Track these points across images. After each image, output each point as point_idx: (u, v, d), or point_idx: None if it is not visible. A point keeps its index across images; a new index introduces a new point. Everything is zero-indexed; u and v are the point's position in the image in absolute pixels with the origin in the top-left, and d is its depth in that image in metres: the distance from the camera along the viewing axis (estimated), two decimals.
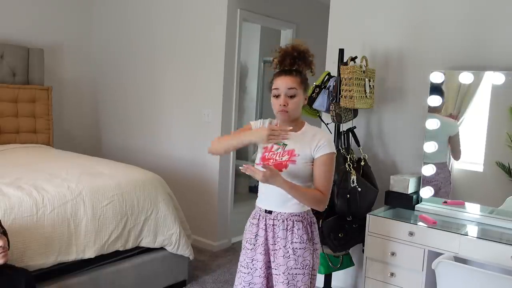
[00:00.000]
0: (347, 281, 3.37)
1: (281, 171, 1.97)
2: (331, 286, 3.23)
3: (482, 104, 2.79)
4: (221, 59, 3.97)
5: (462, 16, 2.89)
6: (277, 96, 2.01)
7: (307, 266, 2.04)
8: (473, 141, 2.85)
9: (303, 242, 2.02)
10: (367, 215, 2.84)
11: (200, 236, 4.15)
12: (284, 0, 4.55)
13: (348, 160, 2.92)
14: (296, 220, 2.03)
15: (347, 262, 3.14)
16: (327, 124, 3.15)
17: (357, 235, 2.96)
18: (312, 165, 2.01)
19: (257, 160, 2.09)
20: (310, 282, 2.08)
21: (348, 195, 2.82)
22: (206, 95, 4.11)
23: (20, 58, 4.26)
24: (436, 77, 2.90)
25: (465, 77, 2.81)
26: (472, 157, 2.87)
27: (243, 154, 6.07)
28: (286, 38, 4.67)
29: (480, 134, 2.80)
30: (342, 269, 3.14)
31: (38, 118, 4.29)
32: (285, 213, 2.03)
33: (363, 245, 2.91)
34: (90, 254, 2.70)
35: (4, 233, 2.19)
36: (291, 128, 1.92)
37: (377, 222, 2.80)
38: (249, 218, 2.17)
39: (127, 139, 4.82)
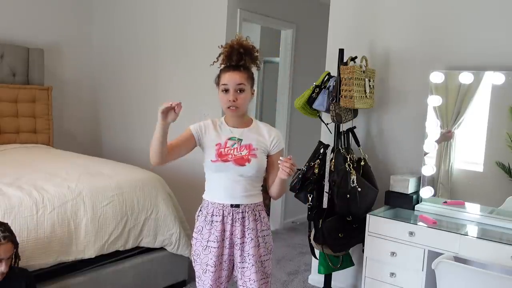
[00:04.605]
0: (347, 281, 3.37)
1: (243, 165, 2.01)
2: (331, 286, 3.23)
3: (482, 104, 2.79)
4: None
5: (462, 16, 2.89)
6: (225, 91, 2.05)
7: (271, 250, 2.15)
8: (473, 141, 2.85)
9: (268, 229, 2.14)
10: (367, 215, 2.84)
11: None
12: (284, 0, 4.55)
13: (348, 160, 2.91)
14: (260, 210, 2.12)
15: (347, 262, 3.14)
16: (327, 124, 3.15)
17: (357, 235, 2.96)
18: (266, 157, 2.10)
19: (213, 158, 2.05)
20: None
21: (348, 195, 2.81)
22: (206, 95, 4.10)
23: (20, 58, 4.26)
24: (436, 77, 2.90)
25: (465, 77, 2.81)
26: (472, 157, 2.87)
27: None
28: (286, 38, 4.67)
29: (480, 134, 2.80)
30: (342, 269, 3.14)
31: (38, 118, 4.28)
32: (251, 204, 2.08)
33: (363, 245, 2.91)
34: (90, 254, 2.70)
35: (12, 239, 2.16)
36: (179, 102, 1.86)
37: (377, 222, 2.79)
38: (206, 217, 2.11)
39: (127, 138, 4.81)
